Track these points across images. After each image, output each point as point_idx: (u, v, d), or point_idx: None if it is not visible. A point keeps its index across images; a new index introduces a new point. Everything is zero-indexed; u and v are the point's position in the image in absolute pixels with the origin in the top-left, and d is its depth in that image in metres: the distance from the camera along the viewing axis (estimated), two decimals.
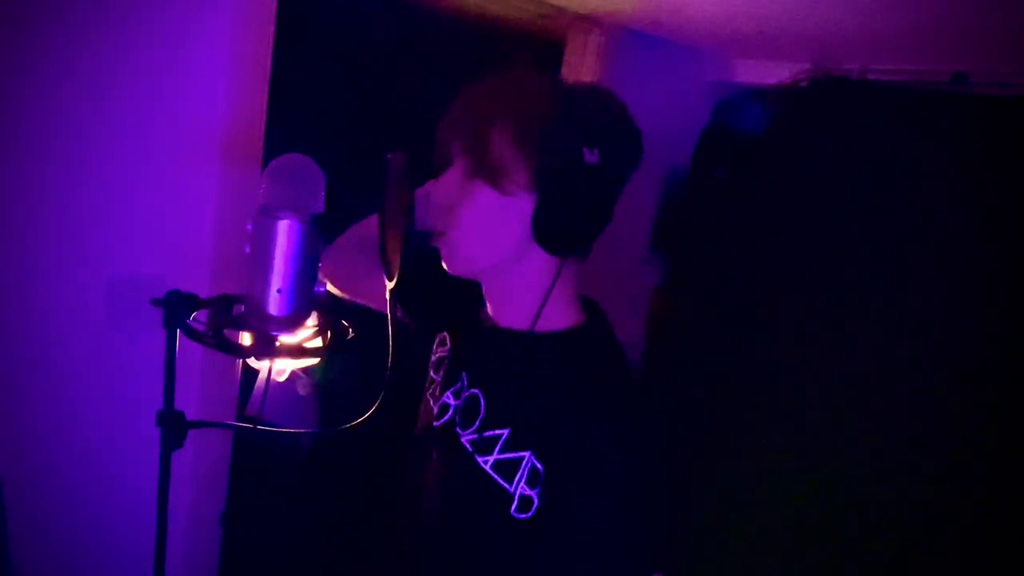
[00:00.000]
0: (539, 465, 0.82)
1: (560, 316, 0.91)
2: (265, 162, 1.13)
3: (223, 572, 1.64)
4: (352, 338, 0.86)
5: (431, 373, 1.06)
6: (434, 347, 1.08)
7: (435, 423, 0.98)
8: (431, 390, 1.04)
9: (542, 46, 1.82)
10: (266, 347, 0.80)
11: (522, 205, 0.83)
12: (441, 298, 1.10)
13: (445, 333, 1.07)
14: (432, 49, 1.77)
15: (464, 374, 0.97)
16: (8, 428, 1.26)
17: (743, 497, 1.75)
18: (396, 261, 0.84)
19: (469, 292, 1.00)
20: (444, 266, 0.91)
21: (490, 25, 1.62)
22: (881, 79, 1.55)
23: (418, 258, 0.89)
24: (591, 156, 0.81)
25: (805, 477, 1.62)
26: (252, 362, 0.99)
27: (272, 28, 1.31)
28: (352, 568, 2.16)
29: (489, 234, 0.86)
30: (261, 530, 1.96)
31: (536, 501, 0.82)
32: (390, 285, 0.86)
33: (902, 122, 1.56)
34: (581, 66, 1.77)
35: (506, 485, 0.84)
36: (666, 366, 1.99)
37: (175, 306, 0.80)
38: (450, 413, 0.96)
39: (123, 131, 1.21)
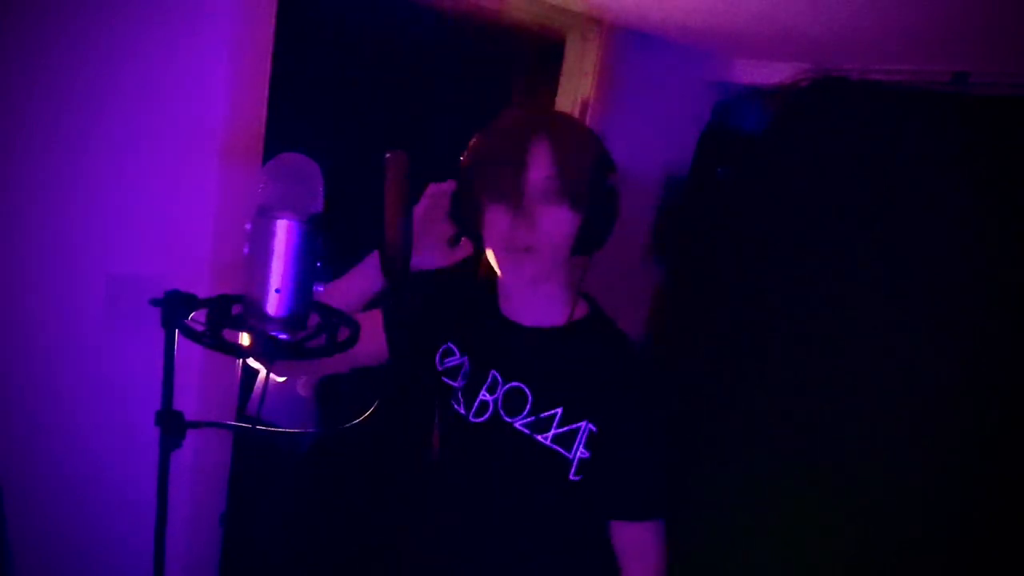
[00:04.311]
0: (595, 428, 1.03)
1: (579, 307, 1.10)
2: (265, 162, 1.13)
3: (223, 572, 1.64)
4: (351, 338, 0.86)
5: (447, 382, 1.16)
6: (438, 360, 1.18)
7: (475, 419, 1.11)
8: (454, 396, 1.14)
9: (542, 46, 1.82)
10: (266, 347, 0.80)
11: (579, 220, 1.02)
12: (427, 320, 1.21)
13: (450, 344, 1.17)
14: (432, 49, 1.77)
15: (494, 372, 1.11)
16: (8, 428, 1.26)
17: (743, 499, 1.75)
18: (396, 261, 0.84)
19: (459, 306, 1.19)
20: (514, 277, 1.06)
21: (490, 25, 1.62)
22: (881, 79, 1.55)
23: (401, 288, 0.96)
24: (613, 179, 1.03)
25: (805, 478, 1.62)
26: (252, 362, 0.99)
27: (272, 28, 1.31)
28: (353, 568, 2.16)
29: (565, 245, 1.03)
30: (261, 530, 1.96)
31: (591, 459, 1.03)
32: (390, 285, 0.86)
33: (902, 122, 1.56)
34: (581, 66, 1.77)
35: (565, 453, 1.04)
36: (667, 365, 1.99)
37: (174, 306, 0.79)
38: (491, 408, 1.10)
39: (123, 131, 1.21)
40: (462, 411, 1.13)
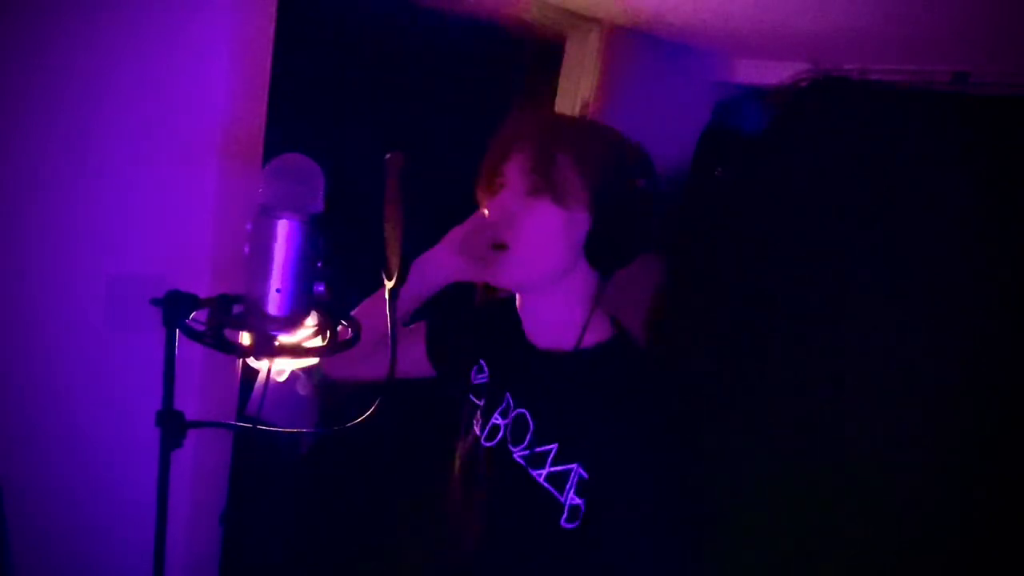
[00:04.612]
0: (585, 475, 0.90)
1: (596, 331, 1.00)
2: (265, 162, 1.13)
3: (223, 572, 1.64)
4: (352, 338, 0.86)
5: (473, 399, 1.12)
6: (472, 375, 1.14)
7: (486, 443, 1.04)
8: (476, 415, 1.10)
9: (542, 46, 1.82)
10: (266, 347, 0.80)
11: (579, 222, 0.94)
12: (468, 335, 1.17)
13: (482, 361, 1.14)
14: (432, 49, 1.77)
15: (508, 395, 1.04)
16: (8, 429, 1.26)
17: (742, 499, 1.75)
18: (396, 262, 0.84)
19: (495, 322, 1.11)
20: (493, 279, 0.98)
21: (490, 25, 1.62)
22: (881, 79, 1.54)
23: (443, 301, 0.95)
24: (644, 185, 0.94)
25: (805, 478, 1.62)
26: (252, 362, 0.99)
27: (272, 28, 1.31)
28: (353, 568, 2.16)
29: (548, 245, 0.94)
30: (261, 530, 1.96)
31: (583, 509, 0.90)
32: (389, 285, 0.86)
33: (902, 122, 1.56)
34: (581, 66, 1.77)
35: (558, 496, 0.92)
36: (666, 366, 1.99)
37: (175, 306, 0.79)
38: (501, 433, 1.03)
39: (123, 131, 1.21)
40: (477, 431, 1.08)
